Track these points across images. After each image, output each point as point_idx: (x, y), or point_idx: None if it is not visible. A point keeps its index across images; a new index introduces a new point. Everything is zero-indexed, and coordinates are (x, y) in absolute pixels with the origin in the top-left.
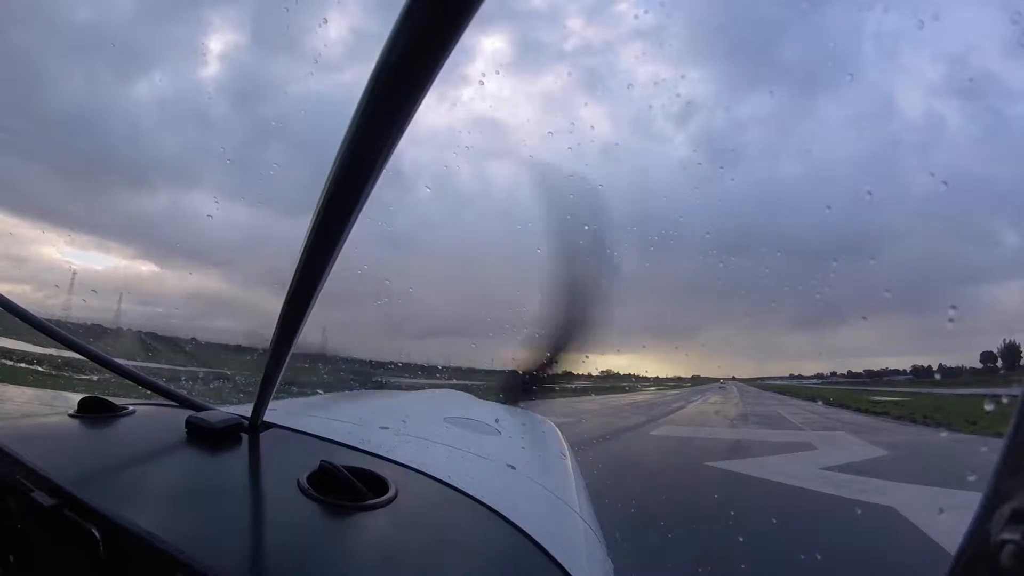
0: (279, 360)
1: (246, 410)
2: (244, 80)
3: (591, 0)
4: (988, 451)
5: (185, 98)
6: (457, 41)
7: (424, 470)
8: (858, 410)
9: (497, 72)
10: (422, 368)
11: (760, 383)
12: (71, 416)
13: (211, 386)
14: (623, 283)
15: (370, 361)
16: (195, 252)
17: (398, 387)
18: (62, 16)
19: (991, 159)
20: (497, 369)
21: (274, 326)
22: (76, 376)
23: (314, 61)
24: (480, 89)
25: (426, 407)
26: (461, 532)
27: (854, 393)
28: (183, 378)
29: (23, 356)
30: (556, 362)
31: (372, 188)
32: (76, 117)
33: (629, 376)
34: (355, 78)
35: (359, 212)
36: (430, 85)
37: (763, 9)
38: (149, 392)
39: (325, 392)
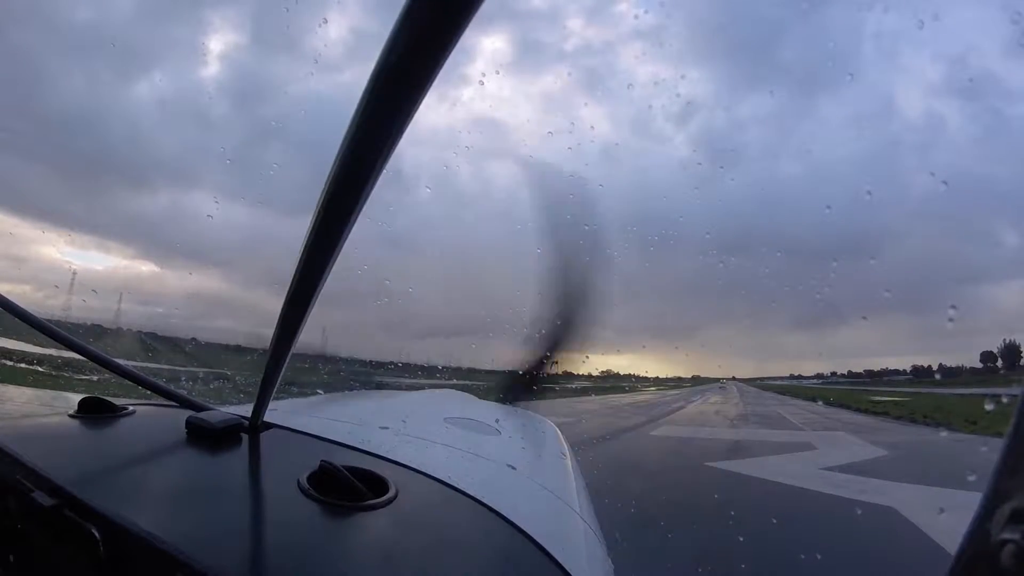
0: (279, 360)
1: (246, 410)
2: (244, 80)
3: (591, 0)
4: (988, 451)
5: (185, 98)
6: (457, 41)
7: (424, 470)
8: (858, 410)
9: (497, 72)
10: (422, 368)
11: (760, 383)
12: (71, 416)
13: (211, 386)
14: (623, 283)
15: (370, 361)
16: (195, 252)
17: (398, 387)
18: (62, 16)
19: (991, 159)
20: (497, 369)
21: (274, 326)
22: (76, 376)
23: (314, 61)
24: (480, 89)
25: (426, 407)
26: (461, 532)
27: (854, 393)
28: (183, 378)
29: (23, 356)
30: (554, 362)
31: (372, 188)
32: (76, 117)
33: (629, 376)
34: (355, 78)
35: (359, 212)
36: (430, 85)
37: (763, 9)
38: (149, 392)
39: (325, 392)
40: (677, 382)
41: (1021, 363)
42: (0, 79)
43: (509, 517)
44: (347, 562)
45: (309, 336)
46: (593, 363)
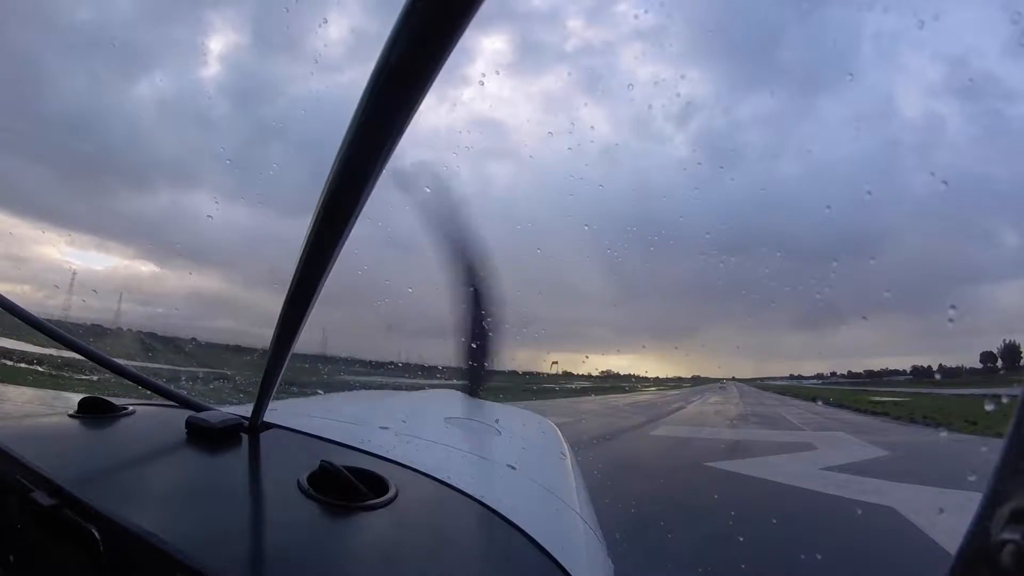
0: (279, 360)
1: (246, 410)
2: (244, 80)
3: (591, 0)
4: (988, 451)
5: (185, 98)
6: (457, 41)
7: (424, 470)
8: (858, 410)
9: (497, 72)
10: (422, 368)
11: (760, 383)
12: (71, 416)
13: (211, 386)
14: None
15: (370, 361)
16: (195, 252)
17: (398, 387)
18: (62, 16)
19: (991, 159)
20: (497, 369)
21: (274, 326)
22: (76, 376)
23: (314, 61)
24: (480, 89)
25: (426, 407)
26: (461, 532)
27: (854, 393)
28: (183, 378)
29: (23, 356)
30: (553, 362)
31: (372, 188)
32: (76, 117)
33: (629, 376)
34: (355, 78)
35: (359, 212)
36: (430, 85)
37: (763, 9)
38: (149, 392)
39: (325, 392)
40: (677, 382)
41: (1021, 363)
42: (0, 79)
43: (509, 517)
44: (347, 562)
45: (309, 336)
46: (593, 363)
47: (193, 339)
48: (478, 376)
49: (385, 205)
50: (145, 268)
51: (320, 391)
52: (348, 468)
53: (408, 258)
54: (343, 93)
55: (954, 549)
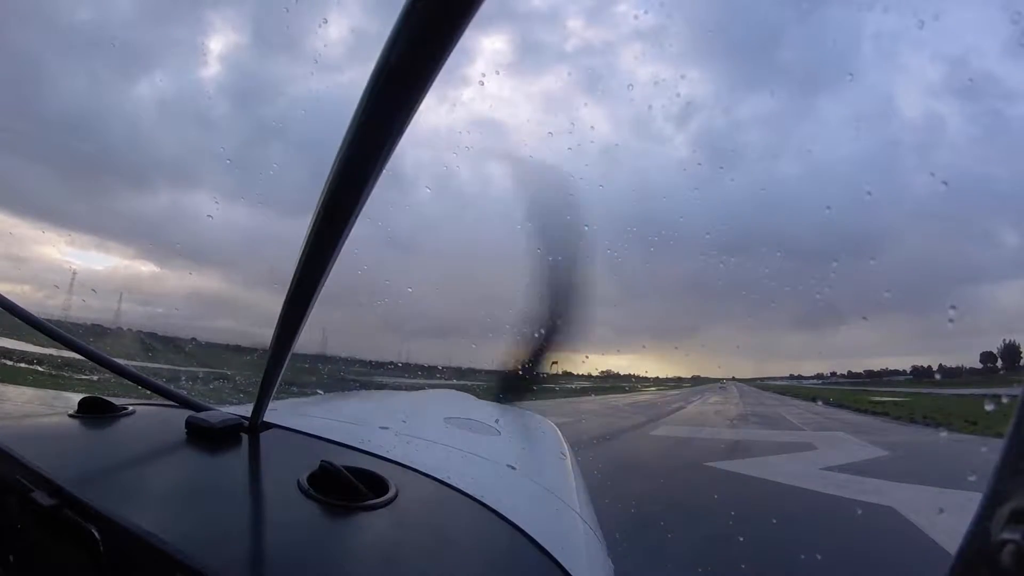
0: (279, 360)
1: (246, 410)
2: (244, 80)
3: (591, 0)
4: (988, 451)
5: (185, 98)
6: (457, 41)
7: (424, 470)
8: (858, 410)
9: (497, 72)
10: (422, 368)
11: (760, 383)
12: (71, 416)
13: (211, 386)
14: (624, 283)
15: (370, 361)
16: (195, 252)
17: (398, 387)
18: (62, 16)
19: (991, 159)
20: (497, 369)
21: (274, 326)
22: (76, 376)
23: (314, 61)
24: (480, 89)
25: (426, 407)
26: (461, 532)
27: (854, 393)
28: (183, 378)
29: (23, 356)
30: (553, 362)
31: (372, 188)
32: (76, 117)
33: (629, 376)
34: (355, 78)
35: (359, 212)
36: (430, 85)
37: (763, 9)
38: (149, 392)
39: (325, 392)
40: (677, 382)
41: (1021, 363)
42: (0, 79)
43: (509, 517)
44: (347, 562)
45: (309, 336)
46: (593, 363)
47: (193, 339)
48: (527, 380)
49: (385, 205)
50: (145, 268)
51: (320, 391)
52: (348, 468)
53: (408, 258)
54: (343, 93)
55: (954, 549)
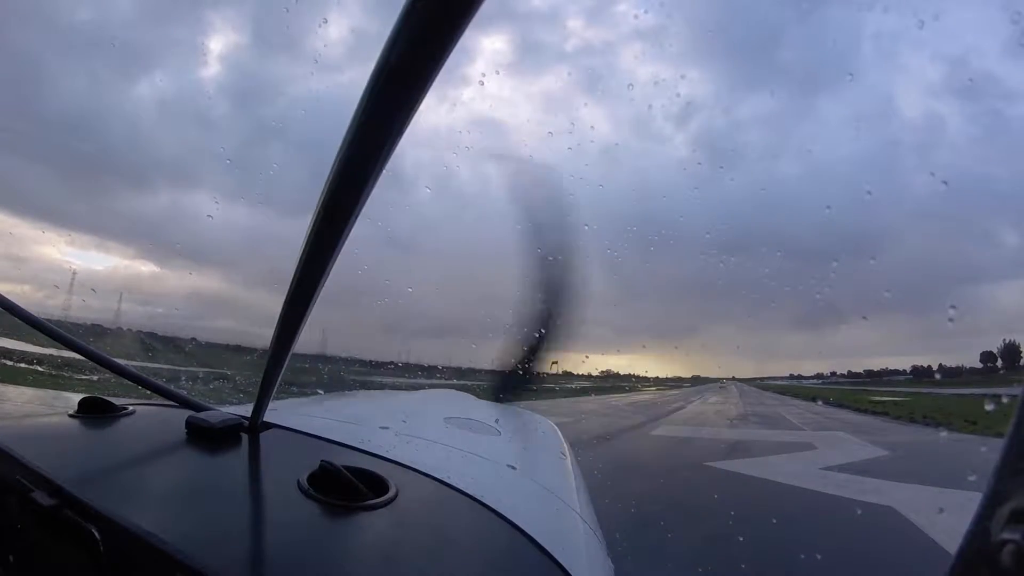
0: (279, 360)
1: (246, 410)
2: (244, 80)
3: (591, 0)
4: (988, 451)
5: (185, 98)
6: (457, 41)
7: (424, 470)
8: (858, 410)
9: (497, 72)
10: (422, 368)
11: (760, 383)
12: (71, 416)
13: (211, 386)
14: (623, 283)
15: (370, 361)
16: (195, 252)
17: (398, 387)
18: (62, 16)
19: (991, 159)
20: (496, 369)
21: (274, 326)
22: (76, 376)
23: (314, 61)
24: (480, 89)
25: (426, 407)
26: (461, 532)
27: (854, 393)
28: (183, 378)
29: (23, 356)
30: (553, 361)
31: (372, 188)
32: (76, 117)
33: (629, 376)
34: (355, 78)
35: (359, 212)
36: (430, 85)
37: (763, 9)
38: (149, 392)
39: (325, 392)
40: (677, 382)
41: (1021, 363)
42: (0, 79)
43: (509, 517)
44: (347, 562)
45: (309, 336)
46: (593, 363)
47: (193, 339)
48: (525, 379)
49: (385, 205)
50: (145, 268)
51: (320, 391)
52: (348, 468)
53: (408, 258)
54: (343, 93)
55: (954, 549)
